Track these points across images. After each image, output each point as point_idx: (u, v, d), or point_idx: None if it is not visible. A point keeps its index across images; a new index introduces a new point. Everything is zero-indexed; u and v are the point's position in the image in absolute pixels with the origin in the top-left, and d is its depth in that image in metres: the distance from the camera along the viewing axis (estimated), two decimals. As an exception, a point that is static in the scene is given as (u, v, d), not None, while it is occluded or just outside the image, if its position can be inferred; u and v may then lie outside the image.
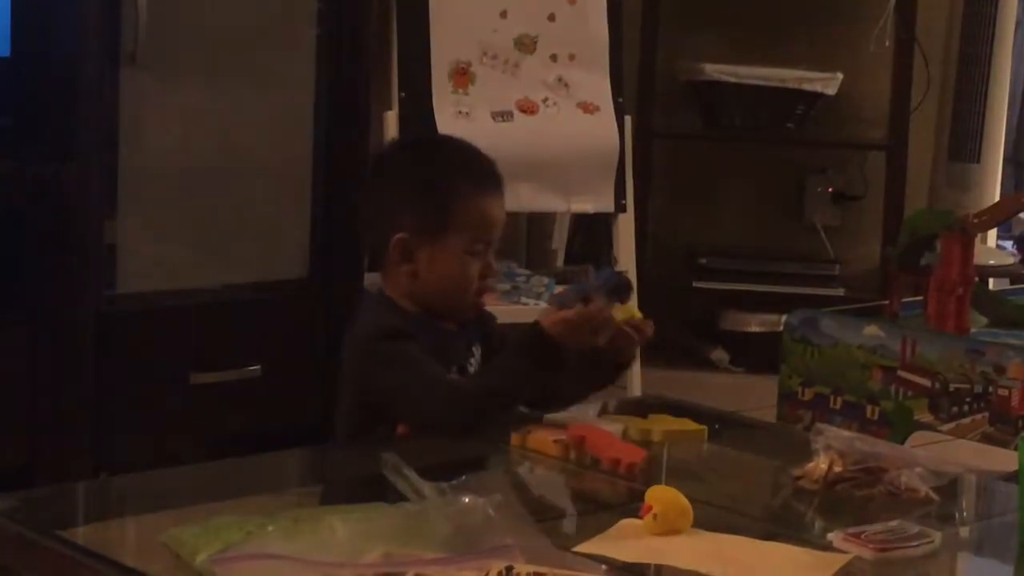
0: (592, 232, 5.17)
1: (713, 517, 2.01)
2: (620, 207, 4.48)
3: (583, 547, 1.89)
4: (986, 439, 3.20)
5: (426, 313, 2.50)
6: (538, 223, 5.30)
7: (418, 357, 2.40)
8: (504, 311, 4.07)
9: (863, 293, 5.16)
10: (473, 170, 2.55)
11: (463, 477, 1.94)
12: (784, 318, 3.56)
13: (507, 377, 2.40)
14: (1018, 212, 4.46)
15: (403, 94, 4.26)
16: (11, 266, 3.55)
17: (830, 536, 1.97)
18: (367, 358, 2.44)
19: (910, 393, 3.29)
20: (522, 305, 4.35)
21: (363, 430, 2.46)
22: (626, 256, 4.50)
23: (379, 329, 2.45)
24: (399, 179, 2.55)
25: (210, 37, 3.73)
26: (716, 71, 5.35)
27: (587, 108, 4.45)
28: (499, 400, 2.39)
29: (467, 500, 1.81)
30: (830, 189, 5.69)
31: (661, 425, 2.44)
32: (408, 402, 2.39)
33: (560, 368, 2.39)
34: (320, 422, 3.09)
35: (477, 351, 2.54)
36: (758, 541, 1.97)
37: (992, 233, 5.71)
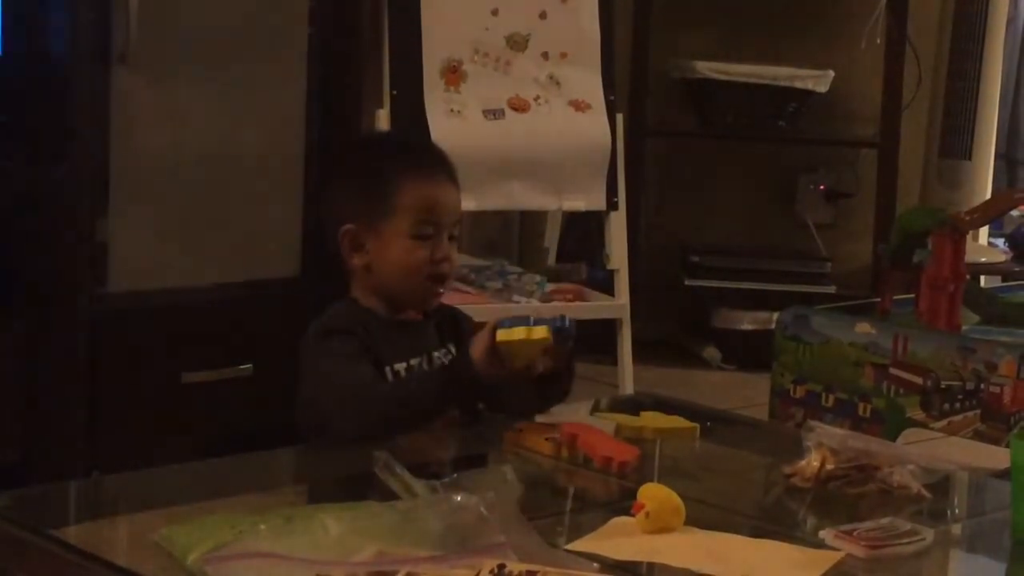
0: (584, 230, 5.17)
1: (705, 515, 2.01)
2: (612, 205, 4.48)
3: (575, 545, 1.89)
4: (978, 436, 3.20)
5: (389, 305, 2.50)
6: (530, 221, 5.30)
7: (345, 357, 2.40)
8: (496, 310, 4.09)
9: (855, 290, 5.16)
10: (413, 155, 2.58)
11: (455, 475, 1.94)
12: (776, 316, 3.57)
13: (423, 396, 2.36)
14: (1010, 209, 4.47)
15: (395, 92, 4.26)
16: (3, 265, 3.55)
17: (822, 534, 1.97)
18: (304, 356, 2.46)
19: (902, 390, 3.29)
20: (514, 303, 4.35)
21: (311, 428, 2.46)
22: (618, 254, 4.50)
23: (317, 327, 2.47)
24: (344, 173, 2.61)
25: (201, 36, 3.72)
26: (708, 69, 5.36)
27: (579, 106, 4.45)
28: (409, 414, 2.35)
29: (459, 498, 1.81)
30: (822, 187, 5.70)
31: (653, 423, 2.45)
32: (323, 407, 2.38)
33: (480, 396, 2.38)
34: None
35: (452, 347, 2.52)
36: (750, 539, 1.98)
37: (984, 230, 5.71)
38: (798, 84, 5.39)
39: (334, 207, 2.55)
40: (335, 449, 2.35)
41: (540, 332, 2.26)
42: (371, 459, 1.98)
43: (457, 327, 2.57)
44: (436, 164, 2.55)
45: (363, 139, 3.25)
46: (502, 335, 2.27)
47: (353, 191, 2.53)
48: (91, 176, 3.56)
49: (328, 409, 2.37)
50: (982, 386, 3.18)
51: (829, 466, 2.19)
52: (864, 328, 3.36)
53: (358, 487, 2.03)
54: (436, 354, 2.51)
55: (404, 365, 2.46)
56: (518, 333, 2.26)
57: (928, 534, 1.98)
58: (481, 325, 2.46)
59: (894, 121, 5.42)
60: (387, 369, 2.45)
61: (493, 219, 5.26)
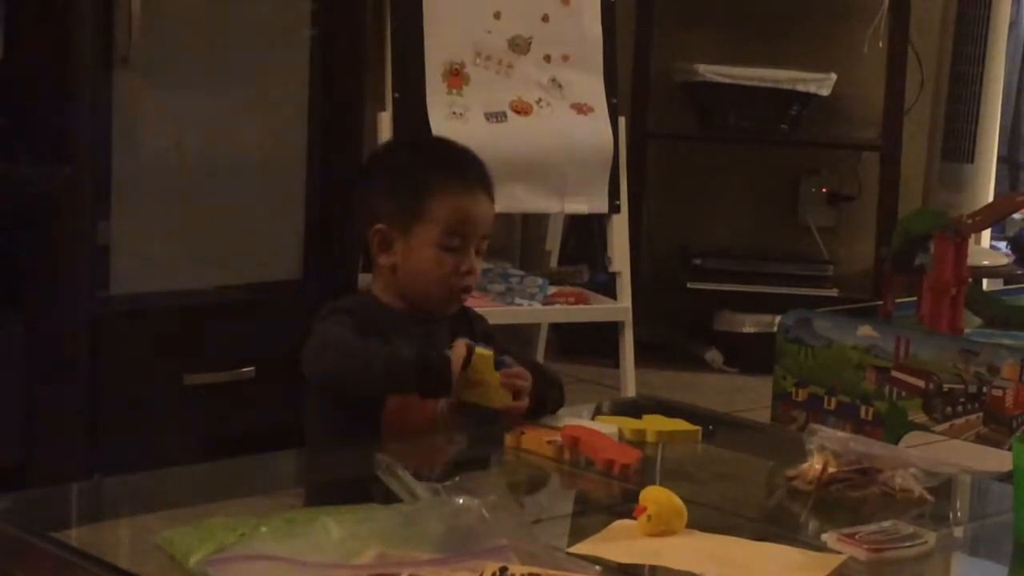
0: (586, 233, 5.17)
1: (707, 518, 2.01)
2: (614, 208, 4.48)
3: (577, 548, 1.89)
4: (980, 440, 3.20)
5: (409, 305, 2.51)
6: (532, 224, 5.30)
7: (340, 326, 2.42)
8: (498, 312, 4.09)
9: (857, 293, 5.16)
10: (451, 164, 2.57)
11: (457, 478, 1.93)
12: (778, 319, 3.57)
13: (387, 368, 2.37)
14: (1012, 212, 4.48)
15: (397, 95, 4.26)
16: (4, 267, 3.55)
17: (824, 537, 1.97)
18: (312, 330, 2.48)
19: (904, 393, 3.29)
20: (516, 306, 4.35)
21: (328, 424, 2.47)
22: (620, 257, 4.50)
23: (329, 306, 2.49)
24: (382, 173, 2.61)
25: (203, 39, 3.72)
26: (710, 72, 5.36)
27: (581, 109, 4.45)
28: (369, 375, 2.36)
29: (461, 501, 1.81)
30: (824, 189, 5.70)
31: (655, 426, 2.44)
32: (306, 353, 2.41)
33: (441, 394, 2.38)
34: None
35: None
36: (752, 542, 1.97)
37: (986, 234, 5.71)
38: (800, 87, 5.39)
39: (370, 204, 2.56)
40: (337, 451, 2.35)
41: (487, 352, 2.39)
42: (373, 461, 1.98)
43: (471, 327, 2.58)
44: (475, 178, 2.55)
45: (410, 141, 3.31)
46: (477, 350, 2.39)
47: (389, 192, 2.54)
48: (93, 178, 3.56)
49: (307, 354, 2.41)
50: (984, 389, 3.17)
51: (831, 469, 2.19)
52: (866, 331, 3.36)
53: (360, 489, 2.03)
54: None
55: None
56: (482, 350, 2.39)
57: (930, 537, 1.98)
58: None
59: (896, 124, 5.42)
60: None
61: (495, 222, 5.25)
